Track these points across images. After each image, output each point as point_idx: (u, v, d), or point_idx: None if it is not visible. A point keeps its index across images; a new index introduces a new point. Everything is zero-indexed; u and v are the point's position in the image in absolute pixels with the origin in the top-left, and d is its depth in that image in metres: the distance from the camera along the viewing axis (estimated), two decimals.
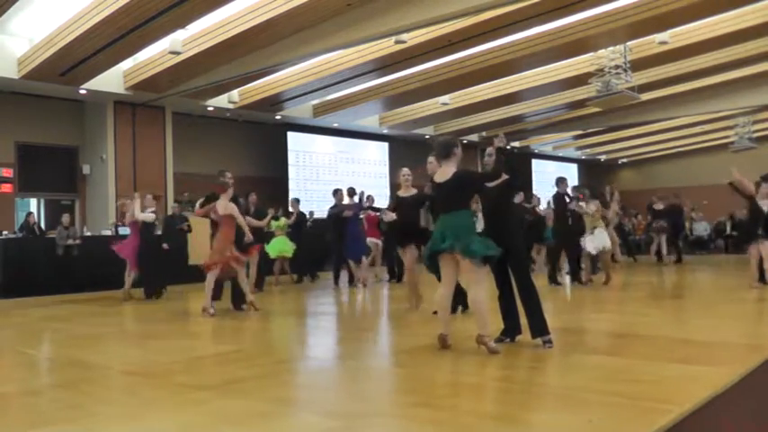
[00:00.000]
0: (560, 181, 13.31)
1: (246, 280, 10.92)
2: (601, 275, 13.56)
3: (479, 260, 6.27)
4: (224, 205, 10.29)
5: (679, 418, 4.12)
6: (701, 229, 26.81)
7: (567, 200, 13.11)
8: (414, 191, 9.89)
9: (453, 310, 8.03)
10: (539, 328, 6.56)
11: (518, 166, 7.01)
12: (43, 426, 4.48)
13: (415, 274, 10.00)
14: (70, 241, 15.60)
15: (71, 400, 5.18)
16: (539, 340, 6.53)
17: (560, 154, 33.90)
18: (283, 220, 16.01)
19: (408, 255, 9.88)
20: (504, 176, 6.65)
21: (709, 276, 16.00)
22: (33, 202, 19.53)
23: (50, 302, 12.99)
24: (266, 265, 14.75)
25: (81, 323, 10.15)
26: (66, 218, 16.06)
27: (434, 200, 7.14)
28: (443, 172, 6.62)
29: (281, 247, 15.76)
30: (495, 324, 6.73)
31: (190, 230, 14.51)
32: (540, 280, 8.78)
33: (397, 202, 10.21)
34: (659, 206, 19.87)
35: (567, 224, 13.15)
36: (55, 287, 14.61)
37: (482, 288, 6.36)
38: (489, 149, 7.06)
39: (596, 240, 13.01)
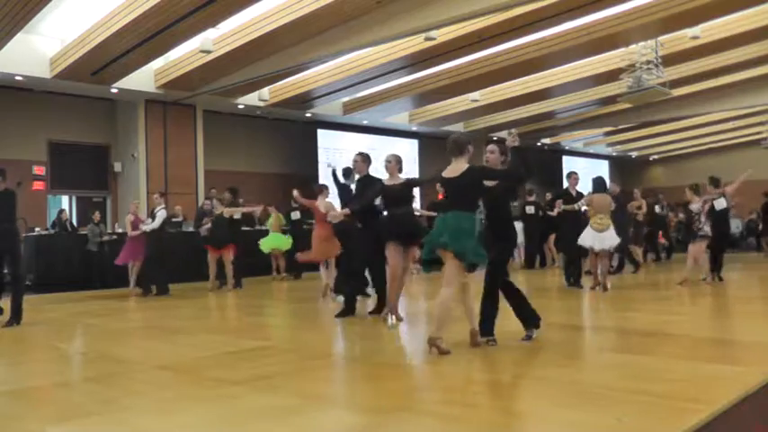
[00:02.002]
0: (568, 176, 12.78)
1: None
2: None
3: (466, 266, 6.27)
4: (325, 204, 11.50)
5: (709, 418, 4.08)
6: (733, 226, 26.46)
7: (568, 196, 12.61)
8: (402, 179, 8.68)
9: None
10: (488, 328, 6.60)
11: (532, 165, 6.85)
12: (76, 419, 4.54)
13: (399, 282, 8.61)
14: (105, 237, 15.75)
15: (103, 393, 5.24)
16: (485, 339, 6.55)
17: (591, 150, 33.67)
18: (278, 217, 16.16)
19: (396, 255, 8.44)
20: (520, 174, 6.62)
21: (739, 275, 15.81)
22: (65, 199, 19.76)
23: (82, 298, 13.14)
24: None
25: (112, 318, 10.26)
26: (97, 215, 16.22)
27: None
28: (455, 168, 6.50)
29: (274, 242, 15.87)
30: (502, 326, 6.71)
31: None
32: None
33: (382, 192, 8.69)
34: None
35: (574, 222, 12.48)
36: (86, 283, 14.77)
37: (452, 291, 6.28)
38: (491, 146, 6.96)
39: (582, 238, 12.00)
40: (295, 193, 12.29)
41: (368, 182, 9.12)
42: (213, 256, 13.85)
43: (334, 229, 11.03)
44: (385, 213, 8.91)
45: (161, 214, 13.30)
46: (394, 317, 8.44)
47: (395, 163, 8.70)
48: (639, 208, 17.16)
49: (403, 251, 8.47)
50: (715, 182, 13.36)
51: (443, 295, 6.25)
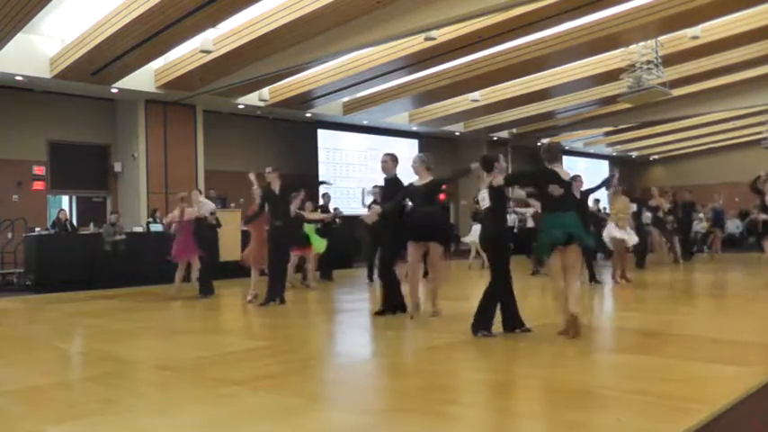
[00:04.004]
0: (573, 179, 12.93)
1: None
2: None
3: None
4: None
5: (709, 418, 4.09)
6: (734, 226, 26.46)
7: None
8: (429, 178, 8.84)
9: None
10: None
11: None
12: (76, 419, 4.53)
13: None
14: (117, 237, 15.72)
15: (103, 393, 5.23)
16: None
17: (591, 150, 33.67)
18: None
19: (414, 253, 8.71)
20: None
21: (740, 275, 15.80)
22: (65, 199, 19.75)
23: (82, 298, 13.12)
24: None
25: (113, 318, 10.24)
26: (114, 216, 16.19)
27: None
28: (563, 172, 7.17)
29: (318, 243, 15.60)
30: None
31: (219, 225, 14.55)
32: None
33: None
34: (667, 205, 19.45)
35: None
36: (87, 283, 14.75)
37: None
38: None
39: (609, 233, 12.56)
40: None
41: (397, 183, 9.31)
42: (296, 255, 13.63)
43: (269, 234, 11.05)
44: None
45: (208, 203, 13.03)
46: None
47: (420, 163, 8.91)
48: (658, 207, 17.20)
49: (423, 247, 8.73)
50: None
51: (574, 281, 7.04)
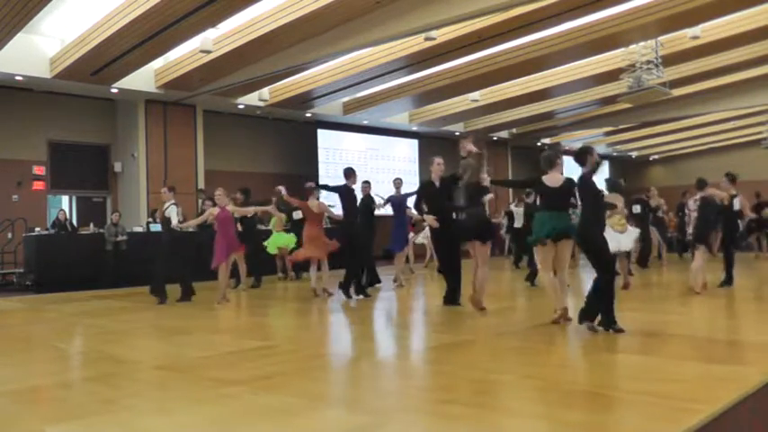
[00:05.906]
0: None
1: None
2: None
3: None
4: (317, 205, 11.86)
5: (709, 418, 4.09)
6: None
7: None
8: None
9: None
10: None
11: None
12: (75, 419, 4.53)
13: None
14: (120, 237, 15.74)
15: (102, 393, 5.23)
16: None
17: None
18: (280, 217, 15.71)
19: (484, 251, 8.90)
20: None
21: (739, 275, 15.75)
22: (65, 199, 19.75)
23: (82, 298, 13.12)
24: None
25: (113, 319, 10.24)
26: (115, 216, 16.21)
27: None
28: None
29: (280, 242, 15.49)
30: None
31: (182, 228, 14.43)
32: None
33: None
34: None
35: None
36: (87, 283, 14.74)
37: None
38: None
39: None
40: (283, 191, 12.10)
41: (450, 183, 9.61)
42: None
43: (341, 230, 11.20)
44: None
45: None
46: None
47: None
48: (658, 208, 17.17)
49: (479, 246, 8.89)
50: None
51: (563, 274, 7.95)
